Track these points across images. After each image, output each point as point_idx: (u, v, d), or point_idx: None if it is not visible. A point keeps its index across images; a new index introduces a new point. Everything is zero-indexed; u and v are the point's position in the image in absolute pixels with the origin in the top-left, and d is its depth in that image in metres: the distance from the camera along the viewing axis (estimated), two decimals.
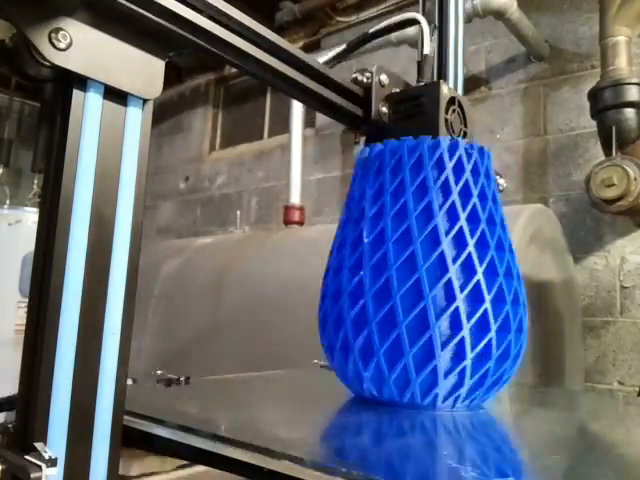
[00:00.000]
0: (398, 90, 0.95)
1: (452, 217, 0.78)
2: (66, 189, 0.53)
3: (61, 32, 0.52)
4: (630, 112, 2.27)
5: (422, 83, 0.97)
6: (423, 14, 1.50)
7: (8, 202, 3.73)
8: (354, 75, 0.91)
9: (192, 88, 4.86)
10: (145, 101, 0.60)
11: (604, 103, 2.31)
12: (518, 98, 3.00)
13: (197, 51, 0.65)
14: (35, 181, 3.92)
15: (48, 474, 0.47)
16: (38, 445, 0.49)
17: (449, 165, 0.80)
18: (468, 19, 2.72)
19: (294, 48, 0.76)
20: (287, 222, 3.31)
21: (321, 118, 3.78)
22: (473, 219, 0.79)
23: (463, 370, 0.75)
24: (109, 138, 0.56)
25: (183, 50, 0.64)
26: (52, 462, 0.48)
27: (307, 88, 0.80)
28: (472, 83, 3.10)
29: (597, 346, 2.57)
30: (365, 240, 0.80)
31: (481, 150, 0.85)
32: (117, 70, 0.56)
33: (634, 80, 2.28)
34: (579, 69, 2.82)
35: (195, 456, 0.63)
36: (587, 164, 2.63)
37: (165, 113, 4.88)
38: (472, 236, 0.77)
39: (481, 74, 3.14)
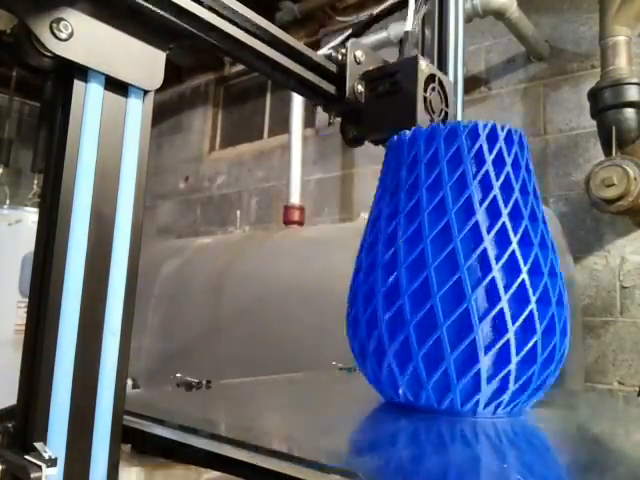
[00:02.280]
0: (374, 67, 0.88)
1: (493, 213, 0.74)
2: (67, 182, 0.53)
3: (62, 22, 0.52)
4: (630, 112, 2.27)
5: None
6: (423, 16, 1.50)
7: (8, 202, 3.73)
8: (328, 51, 0.85)
9: (192, 88, 4.86)
10: (146, 92, 0.60)
11: (604, 103, 2.31)
12: (518, 98, 3.00)
13: (196, 42, 0.65)
14: (35, 181, 3.92)
15: (48, 474, 0.47)
16: (38, 445, 0.49)
17: (489, 159, 0.75)
18: (468, 19, 2.72)
19: (266, 22, 0.73)
20: (287, 222, 3.31)
21: (321, 118, 3.78)
22: (515, 215, 0.74)
23: (507, 375, 0.70)
24: (110, 129, 0.56)
25: (184, 42, 0.64)
26: (52, 462, 0.48)
27: (277, 63, 0.75)
28: (472, 83, 3.10)
29: (597, 346, 2.57)
30: (401, 237, 0.76)
31: (520, 140, 0.79)
32: (118, 61, 0.56)
33: (634, 80, 2.28)
34: (579, 69, 2.82)
35: (194, 456, 0.62)
36: (587, 164, 2.63)
37: (165, 113, 4.88)
38: (515, 233, 0.73)
39: (481, 74, 3.14)
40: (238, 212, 3.86)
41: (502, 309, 0.70)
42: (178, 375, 0.96)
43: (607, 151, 2.33)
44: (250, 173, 4.21)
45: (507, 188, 0.75)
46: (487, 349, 0.69)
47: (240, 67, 4.53)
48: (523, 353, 0.70)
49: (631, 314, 2.51)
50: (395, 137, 0.83)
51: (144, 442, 0.66)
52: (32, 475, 0.46)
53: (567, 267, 2.37)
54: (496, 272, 0.70)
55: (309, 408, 0.89)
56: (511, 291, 0.70)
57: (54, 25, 0.51)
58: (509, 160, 0.76)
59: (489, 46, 3.14)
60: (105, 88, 0.56)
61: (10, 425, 0.52)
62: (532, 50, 2.90)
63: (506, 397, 0.72)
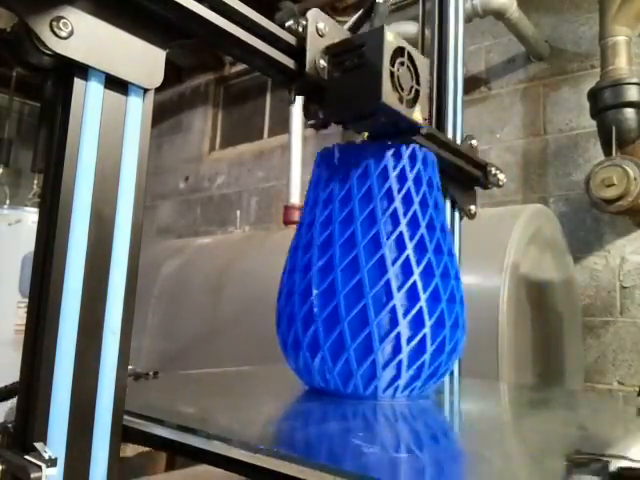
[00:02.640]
0: (338, 40, 0.80)
1: (394, 222, 0.85)
2: (67, 182, 0.53)
3: (62, 20, 0.52)
4: (630, 112, 2.27)
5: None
6: (423, 14, 1.50)
7: (8, 202, 3.73)
8: (288, 23, 0.77)
9: (192, 88, 4.86)
10: (146, 91, 0.60)
11: (604, 103, 2.31)
12: (518, 98, 3.00)
13: (197, 40, 0.65)
14: (35, 181, 3.91)
15: (48, 474, 0.47)
16: (38, 445, 0.49)
17: (392, 174, 0.86)
18: (468, 19, 2.72)
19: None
20: (287, 222, 3.31)
21: None
22: (413, 224, 0.86)
23: (400, 363, 0.82)
24: (110, 128, 0.56)
25: (184, 41, 0.64)
26: (52, 462, 0.48)
27: (229, 34, 0.68)
28: (472, 83, 3.10)
29: (597, 346, 2.57)
30: (315, 243, 0.88)
31: (425, 159, 0.90)
32: (118, 59, 0.56)
33: (634, 80, 2.28)
34: (579, 69, 2.82)
35: (193, 455, 0.63)
36: (587, 164, 2.63)
37: (165, 113, 4.88)
38: (411, 240, 0.84)
39: (481, 74, 3.14)
40: (238, 212, 3.86)
41: (395, 305, 0.81)
42: (130, 367, 1.02)
43: (607, 151, 2.33)
44: (250, 173, 4.21)
45: (408, 201, 0.87)
46: (382, 340, 0.81)
47: (240, 67, 4.54)
48: (413, 344, 0.82)
49: (631, 314, 2.51)
50: (323, 151, 0.94)
51: None
52: (32, 475, 0.46)
53: (567, 267, 2.37)
54: (391, 274, 0.82)
55: (241, 394, 0.98)
56: (404, 290, 0.82)
57: (54, 23, 0.51)
58: (411, 176, 0.87)
59: (489, 46, 3.14)
60: (105, 86, 0.56)
61: (10, 425, 0.52)
62: (532, 50, 2.91)
63: (401, 382, 0.83)
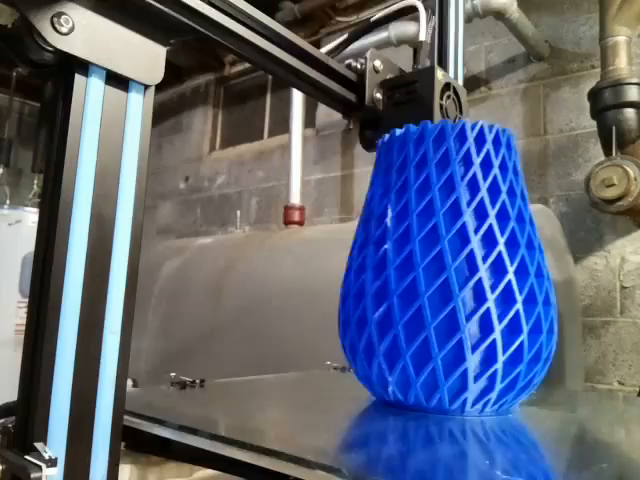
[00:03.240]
0: (392, 76, 0.94)
1: (481, 215, 0.75)
2: (67, 179, 0.53)
3: (63, 16, 0.52)
4: (630, 112, 2.27)
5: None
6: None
7: (8, 202, 3.73)
8: (348, 61, 0.90)
9: (192, 88, 4.86)
10: (146, 87, 0.60)
11: (604, 103, 2.31)
12: (518, 98, 3.00)
13: (197, 38, 0.65)
14: (35, 181, 3.91)
15: (48, 474, 0.47)
16: (38, 445, 0.49)
17: (477, 161, 0.76)
18: (468, 19, 2.72)
19: (289, 32, 0.76)
20: (287, 222, 3.31)
21: (321, 118, 3.78)
22: (502, 216, 0.76)
23: (494, 374, 0.72)
24: (111, 124, 0.56)
25: (185, 37, 0.64)
26: (52, 462, 0.48)
27: (300, 72, 0.79)
28: (472, 83, 3.10)
29: (597, 346, 2.57)
30: (390, 238, 0.77)
31: (508, 142, 0.81)
32: (119, 55, 0.56)
33: (634, 80, 2.28)
34: (579, 69, 2.82)
35: (194, 456, 0.62)
36: (587, 164, 2.63)
37: (165, 113, 4.88)
38: (502, 234, 0.74)
39: (481, 74, 3.14)
40: (238, 212, 3.85)
41: (489, 309, 0.71)
42: (172, 374, 0.97)
43: (607, 151, 2.33)
44: (250, 173, 4.21)
45: (494, 190, 0.76)
46: (474, 348, 0.71)
47: (240, 67, 4.53)
48: (509, 352, 0.72)
49: (631, 314, 2.51)
50: (384, 138, 0.85)
51: (137, 439, 0.67)
52: (32, 475, 0.46)
53: (567, 267, 2.37)
54: (483, 272, 0.72)
55: (301, 406, 0.90)
56: (497, 291, 0.72)
57: (55, 19, 0.51)
58: (496, 162, 0.77)
59: (489, 46, 3.14)
60: (106, 83, 0.56)
61: (10, 425, 0.52)
62: (532, 50, 2.90)
63: (493, 396, 0.73)
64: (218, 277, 2.54)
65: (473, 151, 0.77)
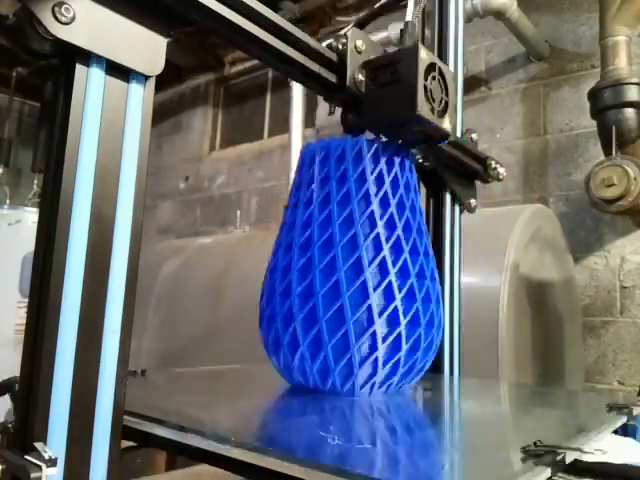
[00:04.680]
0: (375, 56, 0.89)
1: (371, 224, 0.87)
2: (67, 174, 0.53)
3: (64, 6, 0.52)
4: (630, 112, 2.27)
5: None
6: (423, 14, 1.50)
7: (8, 202, 3.73)
8: (329, 41, 0.85)
9: (192, 88, 4.86)
10: (147, 78, 0.60)
11: (604, 103, 2.31)
12: (518, 98, 3.00)
13: (196, 28, 0.65)
14: (35, 181, 3.91)
15: (48, 474, 0.47)
16: (38, 445, 0.49)
17: (370, 178, 0.88)
18: (468, 19, 2.72)
19: (265, 8, 0.73)
20: None
21: (321, 118, 3.78)
22: (390, 226, 0.88)
23: (376, 360, 0.84)
24: (111, 114, 0.56)
25: (184, 28, 0.64)
26: (52, 462, 0.48)
27: (275, 49, 0.75)
28: (472, 83, 3.10)
29: (597, 346, 2.57)
30: (296, 244, 0.90)
31: (402, 162, 0.91)
32: (119, 46, 0.56)
33: (634, 80, 2.28)
34: (579, 69, 2.82)
35: (194, 455, 0.63)
36: (587, 164, 2.63)
37: (165, 113, 4.88)
38: (387, 242, 0.87)
39: (481, 74, 3.14)
40: (238, 212, 3.85)
41: (371, 304, 0.84)
42: None
43: (607, 151, 2.33)
44: (250, 173, 4.21)
45: (385, 204, 0.89)
46: (358, 338, 0.84)
47: (240, 67, 4.53)
48: (388, 342, 0.84)
49: (631, 314, 2.51)
50: (305, 150, 0.94)
51: None
52: (32, 475, 0.46)
53: (567, 267, 2.37)
54: (368, 273, 0.85)
55: (227, 393, 1.00)
56: (380, 289, 0.85)
57: (56, 9, 0.51)
58: (388, 179, 0.89)
59: (489, 46, 3.14)
60: (106, 73, 0.56)
61: (10, 425, 0.52)
62: (532, 50, 2.90)
63: (378, 379, 0.86)
64: (218, 277, 2.54)
65: (368, 170, 0.88)
